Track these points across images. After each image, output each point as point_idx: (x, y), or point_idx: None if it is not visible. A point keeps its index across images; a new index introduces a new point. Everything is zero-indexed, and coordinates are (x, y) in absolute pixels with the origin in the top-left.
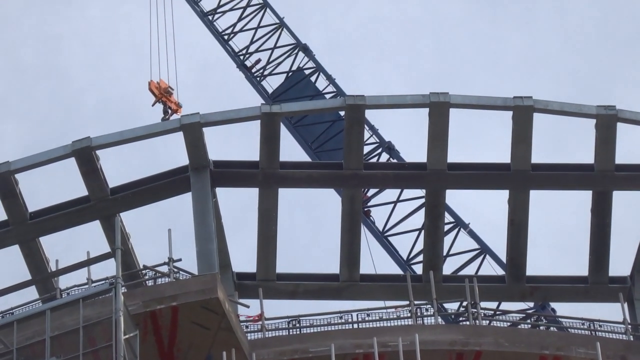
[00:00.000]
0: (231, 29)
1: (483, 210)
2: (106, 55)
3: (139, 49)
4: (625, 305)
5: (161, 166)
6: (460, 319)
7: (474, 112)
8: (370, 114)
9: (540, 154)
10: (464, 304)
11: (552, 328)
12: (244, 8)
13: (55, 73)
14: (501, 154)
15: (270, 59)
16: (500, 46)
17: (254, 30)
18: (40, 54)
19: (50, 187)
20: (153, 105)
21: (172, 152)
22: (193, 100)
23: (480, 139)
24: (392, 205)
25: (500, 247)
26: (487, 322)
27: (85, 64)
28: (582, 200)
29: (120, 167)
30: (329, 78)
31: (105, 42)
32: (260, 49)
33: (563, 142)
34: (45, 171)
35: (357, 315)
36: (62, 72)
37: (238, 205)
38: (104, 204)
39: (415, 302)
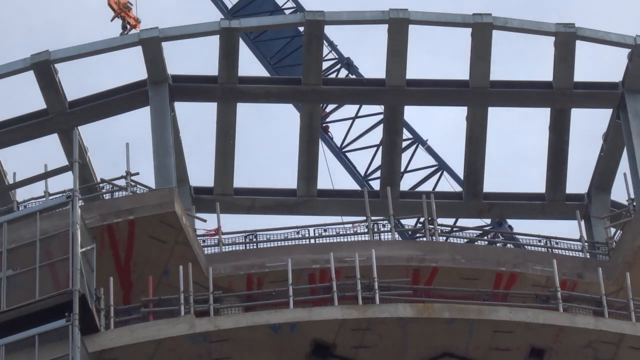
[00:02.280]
0: None
1: (441, 127)
2: None
3: None
4: (582, 222)
5: (120, 82)
6: (417, 235)
7: (433, 29)
8: (329, 30)
9: (499, 71)
10: (421, 220)
11: (508, 245)
12: None
13: None
14: (460, 71)
15: None
16: None
17: None
18: None
19: (7, 100)
20: (112, 20)
21: (130, 68)
22: (152, 16)
23: (439, 56)
24: (351, 121)
25: (457, 163)
26: (444, 238)
27: None
28: (540, 117)
29: (79, 83)
30: None
31: None
32: None
33: (522, 59)
34: (2, 84)
35: (314, 230)
36: None
37: (197, 121)
38: (62, 117)
39: (372, 218)
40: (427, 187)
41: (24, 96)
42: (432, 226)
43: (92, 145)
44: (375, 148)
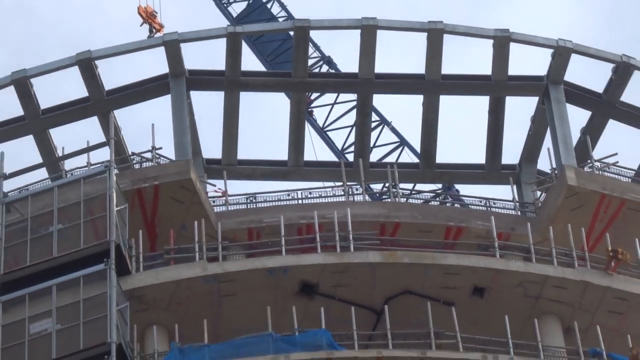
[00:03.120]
0: None
1: (402, 111)
2: None
3: None
4: (514, 187)
5: (146, 75)
6: (383, 197)
7: (397, 33)
8: (313, 34)
9: (449, 66)
10: (386, 185)
11: (456, 205)
12: None
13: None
14: (418, 66)
15: None
16: None
17: None
18: None
19: (56, 90)
20: (141, 25)
21: (155, 63)
22: (172, 22)
23: (401, 54)
24: (330, 106)
25: (415, 140)
26: (405, 199)
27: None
28: (481, 103)
29: (114, 76)
30: (282, 5)
31: None
32: None
33: (467, 57)
34: (51, 78)
35: (301, 193)
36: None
37: (208, 106)
38: (101, 103)
39: (348, 183)
40: (391, 158)
41: (69, 87)
42: (395, 190)
43: (124, 125)
44: (350, 128)
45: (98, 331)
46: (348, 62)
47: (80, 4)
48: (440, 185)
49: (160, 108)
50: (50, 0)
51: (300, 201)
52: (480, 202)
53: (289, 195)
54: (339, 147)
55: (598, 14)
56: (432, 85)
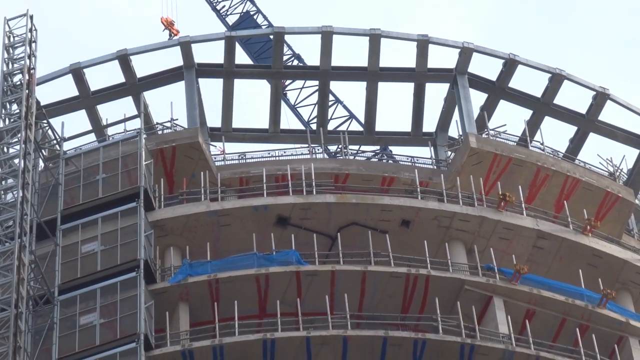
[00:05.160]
0: None
1: (351, 93)
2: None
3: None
4: (432, 148)
5: (167, 66)
6: (337, 155)
7: (347, 37)
8: (288, 37)
9: (385, 61)
10: (339, 146)
11: (389, 161)
12: None
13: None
14: (362, 60)
15: (231, 5)
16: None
17: None
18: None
19: (103, 77)
20: (163, 31)
21: (173, 58)
22: (186, 28)
23: (351, 52)
24: (299, 89)
25: (360, 114)
26: (353, 157)
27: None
28: (408, 88)
29: (144, 67)
30: (265, 16)
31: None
32: None
33: (397, 54)
34: (96, 69)
35: (278, 152)
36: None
37: (211, 89)
38: (134, 87)
39: (312, 145)
40: (343, 127)
41: (111, 74)
42: (345, 150)
43: (150, 102)
44: (313, 105)
45: (131, 251)
46: (312, 57)
47: (117, 15)
48: (378, 147)
49: (177, 90)
50: (94, 15)
51: (277, 158)
52: (407, 159)
53: (269, 153)
54: (306, 119)
55: (491, 22)
56: (372, 74)
